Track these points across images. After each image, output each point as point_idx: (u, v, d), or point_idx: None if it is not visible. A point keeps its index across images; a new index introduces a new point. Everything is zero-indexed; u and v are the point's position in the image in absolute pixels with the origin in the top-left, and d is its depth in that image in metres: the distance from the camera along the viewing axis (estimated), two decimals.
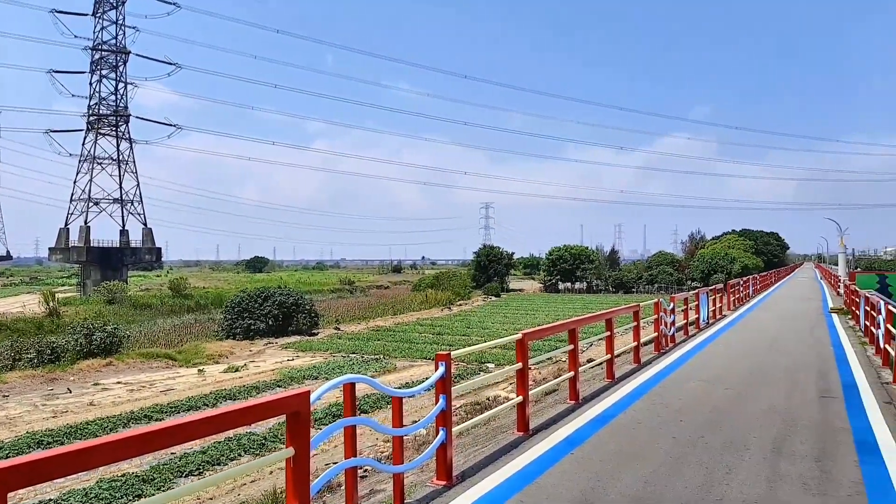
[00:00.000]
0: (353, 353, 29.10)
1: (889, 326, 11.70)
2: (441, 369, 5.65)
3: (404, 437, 5.47)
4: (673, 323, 14.81)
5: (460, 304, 62.09)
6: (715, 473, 5.78)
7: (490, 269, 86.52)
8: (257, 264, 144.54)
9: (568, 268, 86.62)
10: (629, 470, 5.88)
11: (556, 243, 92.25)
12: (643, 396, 9.15)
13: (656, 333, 13.77)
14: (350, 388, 4.73)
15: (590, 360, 13.74)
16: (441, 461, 5.67)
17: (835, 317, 22.15)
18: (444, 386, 5.65)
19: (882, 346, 12.36)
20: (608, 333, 10.54)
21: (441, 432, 5.62)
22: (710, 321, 20.17)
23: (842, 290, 31.04)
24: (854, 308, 20.13)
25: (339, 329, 38.83)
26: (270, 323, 33.09)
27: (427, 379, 5.72)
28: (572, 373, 8.77)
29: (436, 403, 5.66)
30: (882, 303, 12.90)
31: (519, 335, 7.36)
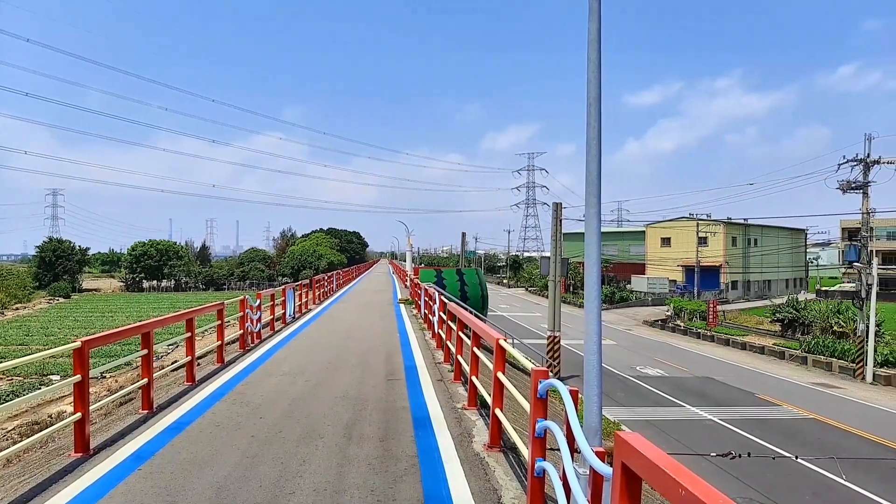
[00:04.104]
0: None
1: (442, 314, 13.65)
2: None
3: None
4: (259, 319, 14.85)
5: (17, 308, 53.16)
6: (290, 467, 5.85)
7: (58, 266, 75.63)
8: None
9: (154, 264, 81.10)
10: (202, 478, 5.56)
11: (142, 238, 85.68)
12: (224, 397, 8.87)
13: (241, 331, 13.61)
14: None
15: (174, 362, 12.88)
16: None
17: (402, 307, 25.13)
18: None
19: (437, 331, 14.38)
20: (189, 334, 9.96)
21: None
22: (297, 315, 20.90)
23: (408, 284, 35.51)
24: (417, 299, 23.13)
25: None
26: None
27: None
28: (146, 380, 8.01)
29: None
30: (437, 294, 15.04)
31: (77, 343, 6.39)
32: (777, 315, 45.27)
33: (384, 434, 6.97)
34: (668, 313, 55.15)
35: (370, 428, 7.22)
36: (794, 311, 43.64)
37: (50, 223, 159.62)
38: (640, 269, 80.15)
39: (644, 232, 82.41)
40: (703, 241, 69.75)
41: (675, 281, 73.50)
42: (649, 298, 69.16)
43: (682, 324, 50.44)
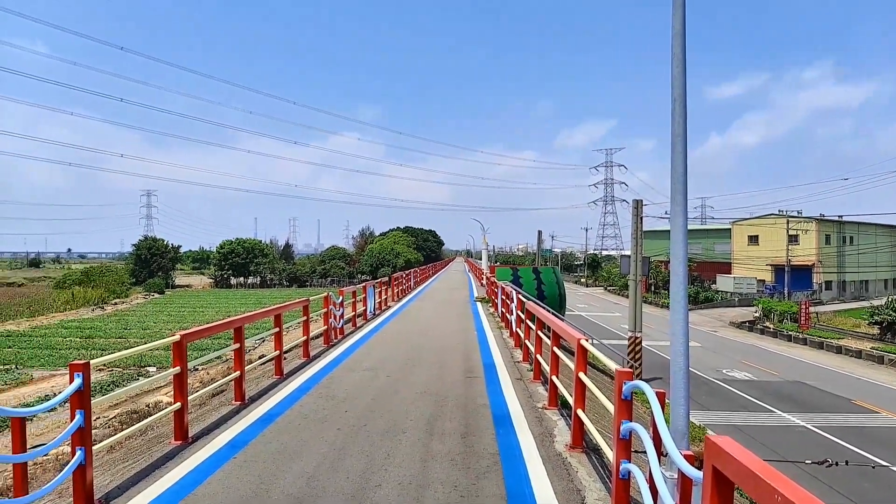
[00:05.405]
0: None
1: (519, 312, 13.63)
2: (77, 381, 4.90)
3: (32, 463, 4.58)
4: (341, 316, 15.26)
5: (116, 303, 56.34)
6: (375, 460, 6.02)
7: (153, 263, 79.93)
8: None
9: (241, 262, 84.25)
10: (293, 467, 5.81)
11: (229, 236, 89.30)
12: (311, 390, 9.20)
13: (325, 327, 14.02)
14: None
15: (262, 357, 13.42)
16: (79, 484, 4.91)
17: (479, 305, 25.21)
18: (81, 400, 4.92)
19: (514, 329, 14.38)
20: (276, 330, 10.37)
21: (78, 452, 4.88)
22: (377, 312, 21.33)
23: (485, 282, 35.54)
24: (494, 297, 23.12)
25: None
26: None
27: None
28: (238, 372, 8.41)
29: (72, 420, 4.88)
30: (514, 292, 15.02)
31: (176, 336, 6.78)
32: (875, 317, 42.65)
33: (465, 430, 7.05)
34: (757, 314, 52.87)
35: (451, 424, 7.32)
36: (894, 314, 41.03)
37: (145, 222, 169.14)
38: (725, 268, 77.22)
39: (729, 230, 79.33)
40: (793, 240, 66.48)
41: (763, 281, 70.41)
42: (736, 299, 66.57)
43: (771, 326, 48.28)
